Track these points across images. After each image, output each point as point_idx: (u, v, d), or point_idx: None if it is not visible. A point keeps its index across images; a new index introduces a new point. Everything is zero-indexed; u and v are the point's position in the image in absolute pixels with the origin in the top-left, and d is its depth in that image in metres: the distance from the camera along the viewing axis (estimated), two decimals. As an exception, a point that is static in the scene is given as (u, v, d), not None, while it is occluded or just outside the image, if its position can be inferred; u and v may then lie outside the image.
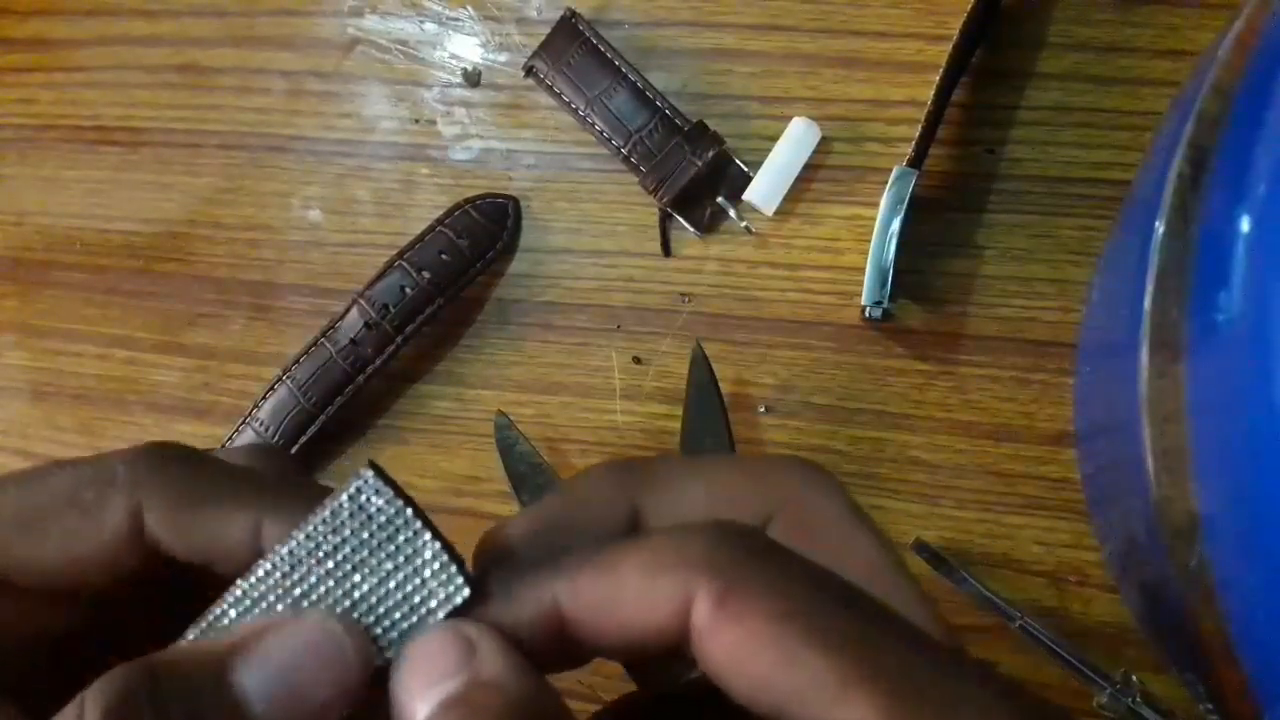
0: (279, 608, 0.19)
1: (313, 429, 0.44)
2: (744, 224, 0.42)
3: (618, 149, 0.43)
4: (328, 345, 0.43)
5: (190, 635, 0.19)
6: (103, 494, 0.19)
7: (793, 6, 0.43)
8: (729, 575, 0.16)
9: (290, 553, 0.19)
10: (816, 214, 0.42)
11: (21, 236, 0.51)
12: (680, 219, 0.43)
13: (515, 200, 0.45)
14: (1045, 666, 0.38)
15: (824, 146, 0.42)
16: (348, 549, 0.19)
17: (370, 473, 0.19)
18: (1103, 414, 0.35)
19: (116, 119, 0.50)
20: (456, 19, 0.46)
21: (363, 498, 0.19)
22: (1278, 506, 0.22)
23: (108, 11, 0.50)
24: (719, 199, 0.43)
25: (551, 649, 0.18)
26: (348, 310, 0.43)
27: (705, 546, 0.17)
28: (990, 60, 0.41)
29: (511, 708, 0.17)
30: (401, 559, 0.19)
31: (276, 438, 0.44)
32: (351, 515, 0.19)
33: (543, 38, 0.44)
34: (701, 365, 0.40)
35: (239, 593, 0.19)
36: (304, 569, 0.19)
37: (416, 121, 0.46)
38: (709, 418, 0.40)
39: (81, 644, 0.21)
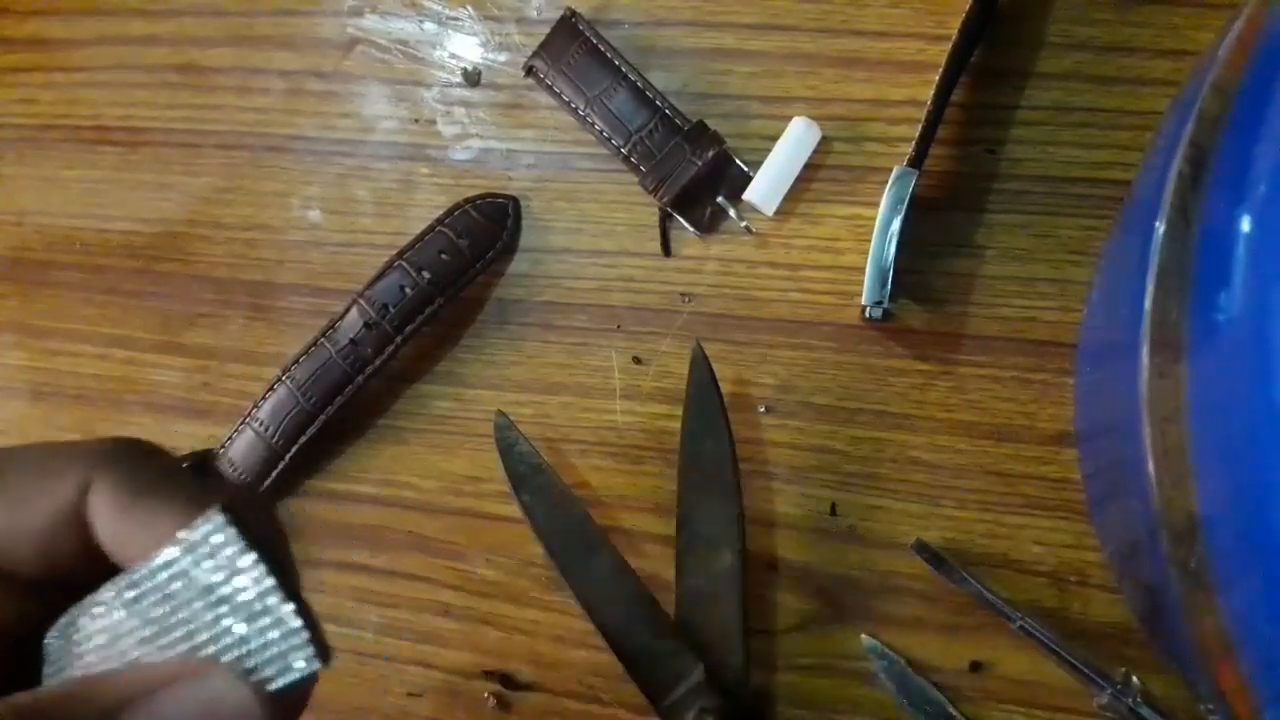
0: (140, 634, 0.18)
1: (312, 429, 0.44)
2: (744, 224, 0.42)
3: (618, 149, 0.43)
4: (327, 345, 0.43)
5: (53, 633, 0.19)
6: (58, 468, 0.19)
7: (793, 6, 0.43)
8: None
9: (160, 567, 0.18)
10: (816, 214, 0.42)
11: (21, 236, 0.51)
12: (680, 219, 0.43)
13: (515, 200, 0.45)
14: (1045, 667, 0.38)
15: (824, 146, 0.42)
16: (201, 580, 0.18)
17: (221, 518, 0.18)
18: (1103, 414, 0.35)
19: (116, 119, 0.50)
20: (456, 19, 0.46)
21: (213, 540, 0.18)
22: (1278, 507, 0.22)
23: (107, 11, 0.50)
24: (719, 199, 0.43)
25: None
26: (347, 310, 0.43)
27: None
28: (990, 60, 0.41)
29: None
30: (251, 613, 0.18)
31: (276, 438, 0.44)
32: (205, 555, 0.18)
33: (543, 37, 0.44)
34: (701, 365, 0.40)
35: (100, 604, 0.18)
36: (158, 596, 0.18)
37: (416, 121, 0.46)
38: (709, 418, 0.40)
39: (18, 643, 0.20)
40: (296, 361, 0.44)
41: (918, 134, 0.39)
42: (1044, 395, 0.40)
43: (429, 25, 0.47)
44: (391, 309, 0.43)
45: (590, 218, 0.44)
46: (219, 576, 0.18)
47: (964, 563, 0.39)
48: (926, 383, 0.41)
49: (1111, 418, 0.33)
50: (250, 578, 0.18)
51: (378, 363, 0.43)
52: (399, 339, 0.43)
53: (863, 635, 0.41)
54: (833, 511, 0.41)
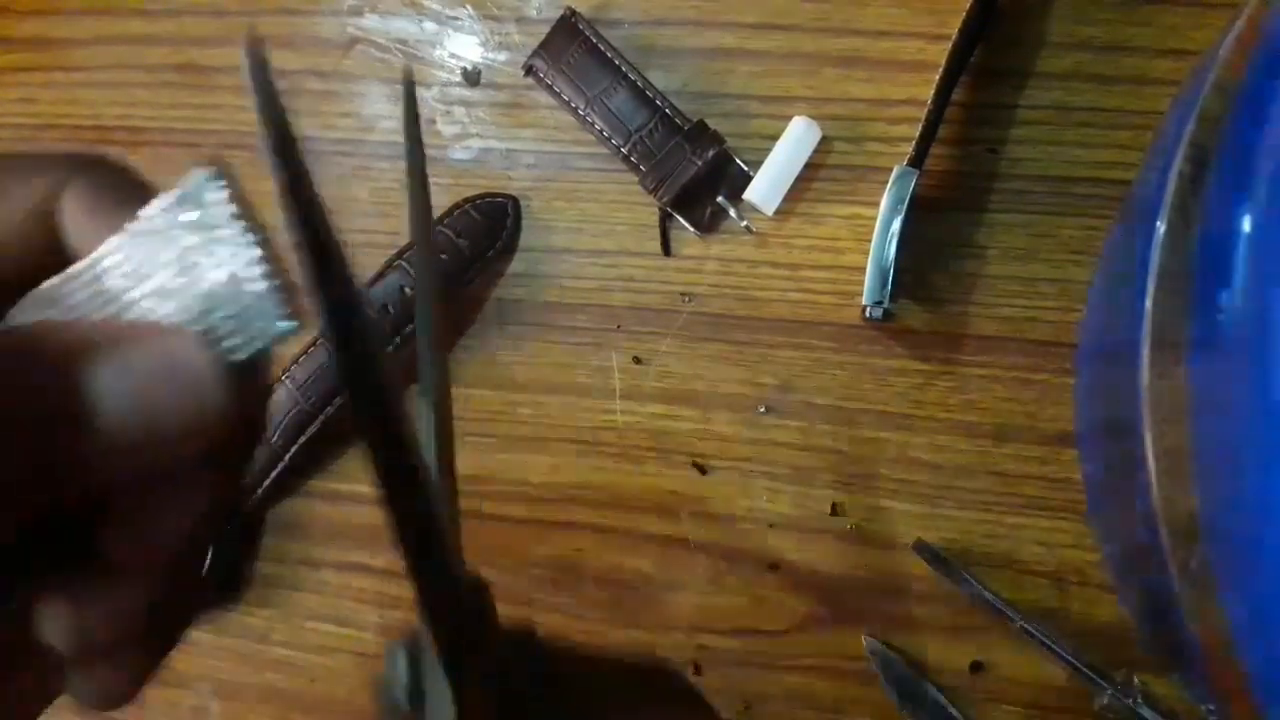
0: (111, 298, 0.18)
1: (312, 429, 0.44)
2: (744, 224, 0.42)
3: (618, 148, 0.43)
4: (327, 345, 0.43)
5: (13, 313, 0.18)
6: (32, 168, 0.19)
7: (793, 6, 0.43)
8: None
9: (130, 240, 0.17)
10: (817, 214, 0.42)
11: (21, 236, 0.51)
12: (680, 219, 0.43)
13: (515, 200, 0.45)
14: (1046, 667, 0.38)
15: (824, 146, 0.42)
16: (180, 247, 0.17)
17: (203, 171, 0.17)
18: (1103, 414, 0.35)
19: (116, 118, 0.50)
20: (456, 18, 0.46)
21: (191, 195, 0.17)
22: (1278, 507, 0.22)
23: (107, 11, 0.50)
24: (719, 199, 0.42)
25: None
26: (347, 310, 0.43)
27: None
28: (991, 59, 0.41)
29: None
30: (231, 271, 0.17)
31: (276, 438, 0.44)
32: (180, 211, 0.17)
33: (542, 37, 0.44)
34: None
35: (75, 273, 0.18)
36: (136, 261, 0.17)
37: (416, 121, 0.46)
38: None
39: None
40: (296, 361, 0.44)
41: (918, 134, 0.39)
42: (1044, 395, 0.40)
43: (429, 25, 0.46)
44: (391, 309, 0.43)
45: (590, 217, 0.44)
46: (195, 238, 0.17)
47: (964, 563, 0.39)
48: (926, 383, 0.41)
49: (1111, 418, 0.33)
50: (231, 239, 0.17)
51: (378, 363, 0.43)
52: (399, 339, 0.43)
53: (863, 635, 0.41)
54: (833, 511, 0.41)
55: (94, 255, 0.18)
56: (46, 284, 0.18)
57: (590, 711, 0.21)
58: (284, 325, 0.17)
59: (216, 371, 0.17)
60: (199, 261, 0.17)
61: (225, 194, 0.17)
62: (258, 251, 0.17)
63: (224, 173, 0.17)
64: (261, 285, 0.17)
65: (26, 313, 0.18)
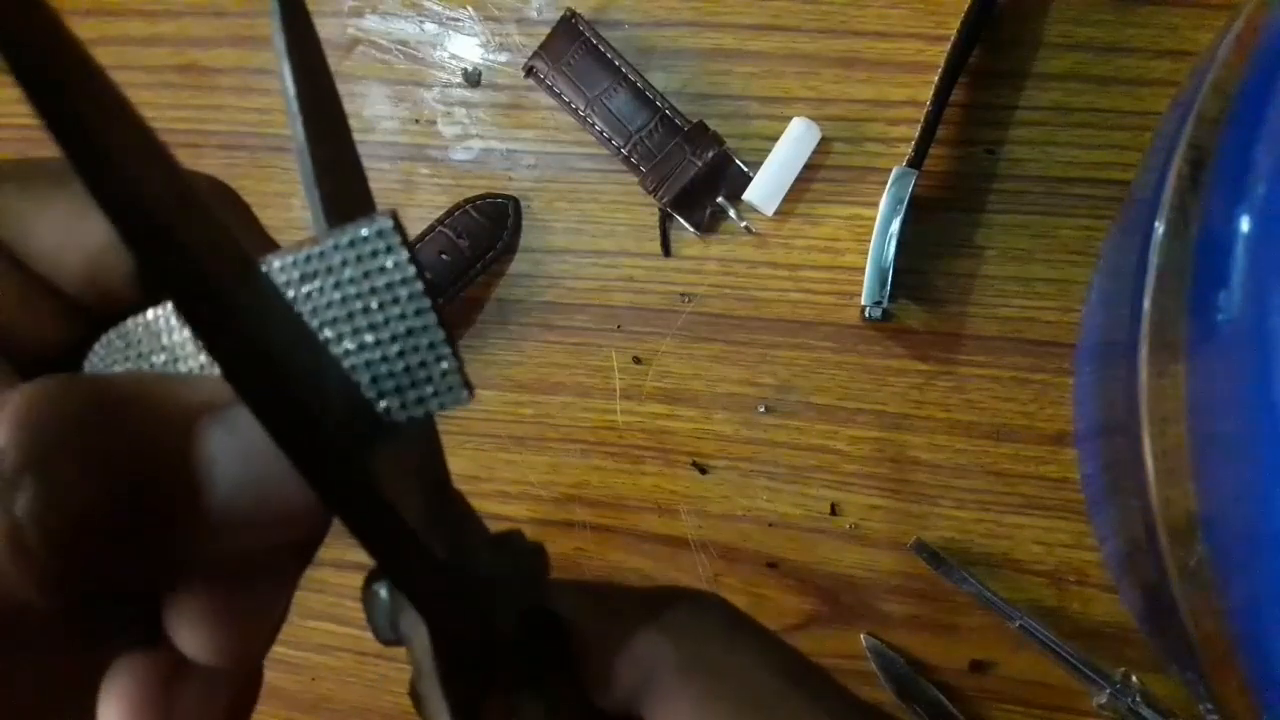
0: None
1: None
2: (744, 224, 0.42)
3: (618, 149, 0.43)
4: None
5: (97, 350, 0.15)
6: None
7: (793, 7, 0.43)
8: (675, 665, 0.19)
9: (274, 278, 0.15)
10: (816, 214, 0.42)
11: (22, 236, 0.51)
12: (680, 219, 0.43)
13: (515, 200, 0.45)
14: (1045, 666, 0.38)
15: (824, 146, 0.42)
16: (330, 300, 0.15)
17: (390, 222, 0.15)
18: (1102, 414, 0.35)
19: (117, 119, 0.50)
20: (456, 19, 0.46)
21: (368, 248, 0.15)
22: (1277, 506, 0.22)
23: (108, 11, 0.50)
24: (719, 199, 0.43)
25: None
26: (348, 310, 0.43)
27: (659, 634, 0.20)
28: (990, 60, 0.41)
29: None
30: (396, 334, 0.15)
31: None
32: (348, 263, 0.15)
33: (543, 38, 0.44)
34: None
35: (162, 316, 0.15)
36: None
37: (417, 121, 0.46)
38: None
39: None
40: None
41: (917, 134, 0.39)
42: (1044, 395, 0.40)
43: (429, 26, 0.47)
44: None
45: (590, 218, 0.44)
46: (369, 287, 0.15)
47: (964, 563, 0.39)
48: (926, 383, 0.41)
49: (1111, 418, 0.33)
50: (406, 294, 0.15)
51: (378, 363, 0.43)
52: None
53: (862, 635, 0.41)
54: (832, 511, 0.41)
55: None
56: (135, 320, 0.16)
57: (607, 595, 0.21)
58: (459, 397, 0.15)
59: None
60: (358, 314, 0.15)
61: (405, 250, 0.15)
62: (436, 318, 0.15)
63: (403, 228, 0.15)
64: (436, 348, 0.15)
65: (113, 355, 0.16)
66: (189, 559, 0.14)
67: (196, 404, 0.14)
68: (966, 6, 0.40)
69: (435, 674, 0.17)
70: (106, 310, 0.16)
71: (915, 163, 0.39)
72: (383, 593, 0.18)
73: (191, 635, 0.15)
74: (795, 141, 0.41)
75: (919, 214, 0.39)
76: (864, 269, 0.39)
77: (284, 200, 0.47)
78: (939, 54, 0.40)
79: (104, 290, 0.16)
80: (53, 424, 0.13)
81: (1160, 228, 0.26)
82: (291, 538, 0.15)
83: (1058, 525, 0.40)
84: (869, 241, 0.39)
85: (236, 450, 0.14)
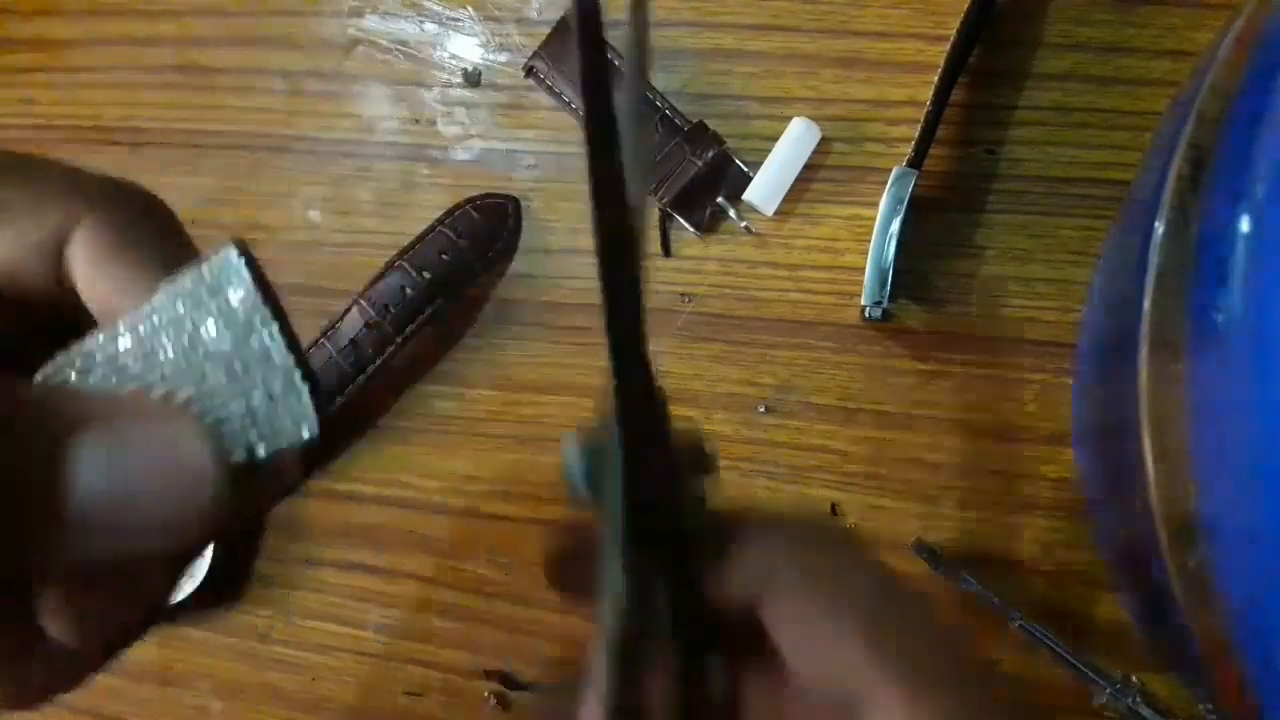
0: (130, 377, 0.17)
1: (313, 429, 0.44)
2: (744, 224, 0.42)
3: (618, 149, 0.43)
4: (328, 345, 0.43)
5: (38, 377, 0.17)
6: (47, 196, 0.18)
7: (793, 7, 0.43)
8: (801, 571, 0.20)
9: (149, 316, 0.16)
10: (816, 214, 0.42)
11: (22, 237, 0.51)
12: (680, 219, 0.43)
13: (515, 200, 0.45)
14: (1045, 666, 0.38)
15: (824, 146, 0.42)
16: (197, 331, 0.16)
17: (233, 252, 0.16)
18: (1103, 414, 0.35)
19: (118, 119, 0.50)
20: (456, 19, 0.46)
21: (220, 281, 0.16)
22: (1277, 507, 0.22)
23: (109, 11, 0.50)
24: (719, 199, 0.43)
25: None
26: (348, 310, 0.43)
27: (785, 542, 0.21)
28: (990, 60, 0.41)
29: None
30: (252, 362, 0.16)
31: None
32: (207, 297, 0.16)
33: (543, 38, 0.44)
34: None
35: (90, 350, 0.17)
36: (156, 340, 0.16)
37: (417, 122, 0.46)
38: None
39: None
40: (297, 361, 0.44)
41: (917, 134, 0.39)
42: (1044, 395, 0.40)
43: (429, 26, 0.47)
44: (392, 309, 0.43)
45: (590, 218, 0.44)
46: (219, 326, 0.16)
47: (964, 562, 0.39)
48: (926, 383, 0.41)
49: (1111, 418, 0.33)
50: (259, 330, 0.16)
51: (378, 363, 0.43)
52: (399, 339, 0.43)
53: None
54: (832, 511, 0.41)
55: (112, 330, 0.17)
56: (74, 348, 0.17)
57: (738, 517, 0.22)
58: (307, 433, 0.16)
59: (218, 467, 0.16)
60: (220, 350, 0.16)
61: (252, 281, 0.16)
62: (287, 352, 0.16)
63: (252, 256, 0.16)
64: (289, 383, 0.16)
65: (57, 375, 0.17)
66: (52, 556, 0.15)
67: (79, 416, 0.15)
68: (966, 6, 0.40)
69: (619, 537, 0.18)
70: (30, 314, 0.18)
71: (915, 163, 0.39)
72: (575, 452, 0.19)
73: (52, 623, 0.17)
74: (795, 141, 0.41)
75: (919, 214, 0.39)
76: (864, 269, 0.39)
77: (284, 200, 0.47)
78: (939, 54, 0.40)
79: (22, 294, 0.18)
80: None
81: (1160, 228, 0.26)
82: (155, 550, 0.16)
83: (1058, 525, 0.40)
84: (869, 241, 0.39)
85: (102, 462, 0.15)
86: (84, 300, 0.18)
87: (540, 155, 0.45)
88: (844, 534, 0.23)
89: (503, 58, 0.46)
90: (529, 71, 0.44)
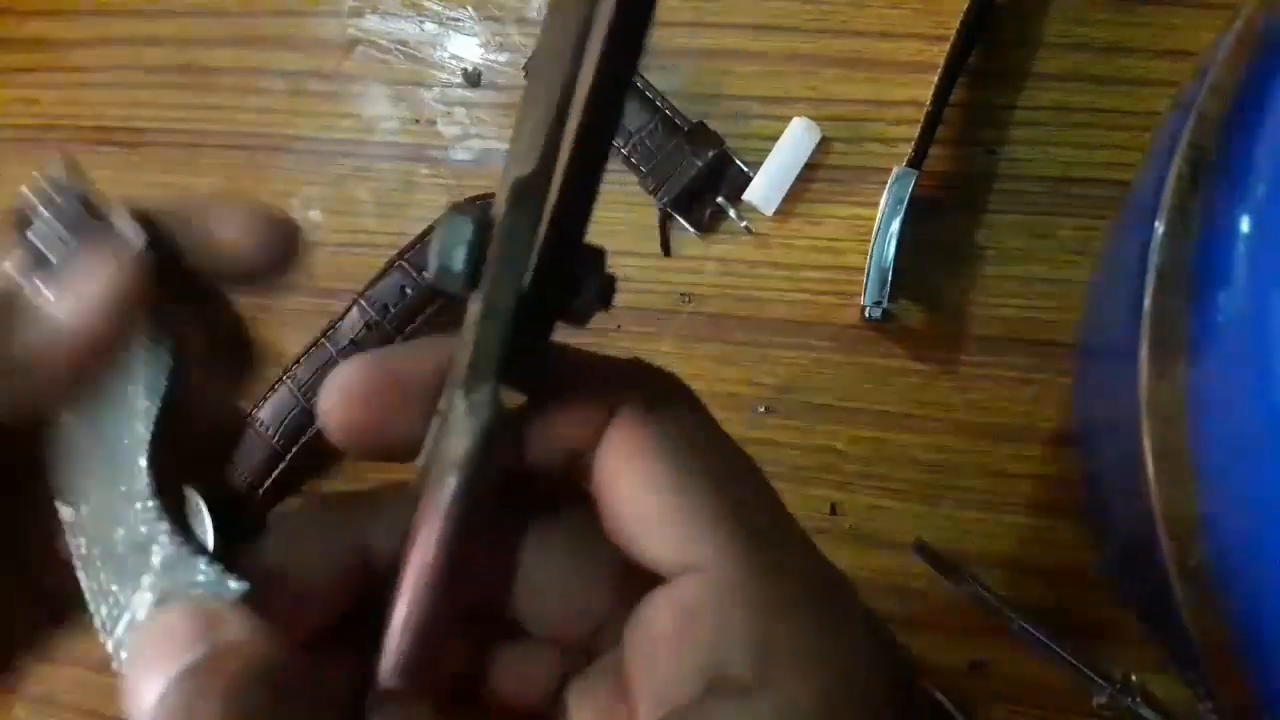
0: None
1: (313, 429, 0.44)
2: (744, 224, 0.42)
3: (618, 149, 0.43)
4: (328, 345, 0.43)
5: None
6: None
7: (792, 7, 0.43)
8: (645, 405, 0.19)
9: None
10: (816, 214, 0.42)
11: (22, 237, 0.51)
12: (680, 219, 0.43)
13: (515, 200, 0.45)
14: (1045, 667, 0.38)
15: (824, 146, 0.42)
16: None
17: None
18: (1103, 414, 0.35)
19: (118, 119, 0.50)
20: (457, 19, 0.46)
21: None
22: (1277, 506, 0.22)
23: (109, 11, 0.50)
24: (719, 199, 0.43)
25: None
26: (348, 310, 0.43)
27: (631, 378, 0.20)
28: (990, 60, 0.41)
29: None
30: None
31: (277, 438, 0.44)
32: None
33: (543, 38, 0.44)
34: None
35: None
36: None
37: (417, 122, 0.46)
38: None
39: None
40: (297, 361, 0.44)
41: (917, 134, 0.39)
42: (1044, 395, 0.40)
43: (429, 26, 0.47)
44: (392, 309, 0.43)
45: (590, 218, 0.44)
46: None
47: (964, 563, 0.39)
48: (926, 383, 0.41)
49: (1111, 418, 0.33)
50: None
51: (378, 363, 0.43)
52: (400, 339, 0.43)
53: (863, 635, 0.41)
54: (833, 511, 0.41)
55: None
56: None
57: None
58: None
59: None
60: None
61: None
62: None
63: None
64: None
65: None
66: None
67: None
68: (966, 6, 0.40)
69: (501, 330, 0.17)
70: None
71: (915, 163, 0.39)
72: (474, 223, 0.17)
73: None
74: (795, 141, 0.41)
75: (919, 214, 0.39)
76: (864, 269, 0.39)
77: (284, 200, 0.47)
78: (939, 54, 0.40)
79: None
80: None
81: (1160, 228, 0.26)
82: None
83: (1058, 525, 0.40)
84: (869, 241, 0.39)
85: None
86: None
87: (540, 155, 0.45)
88: (694, 398, 0.22)
89: (503, 58, 0.46)
90: (529, 72, 0.44)
